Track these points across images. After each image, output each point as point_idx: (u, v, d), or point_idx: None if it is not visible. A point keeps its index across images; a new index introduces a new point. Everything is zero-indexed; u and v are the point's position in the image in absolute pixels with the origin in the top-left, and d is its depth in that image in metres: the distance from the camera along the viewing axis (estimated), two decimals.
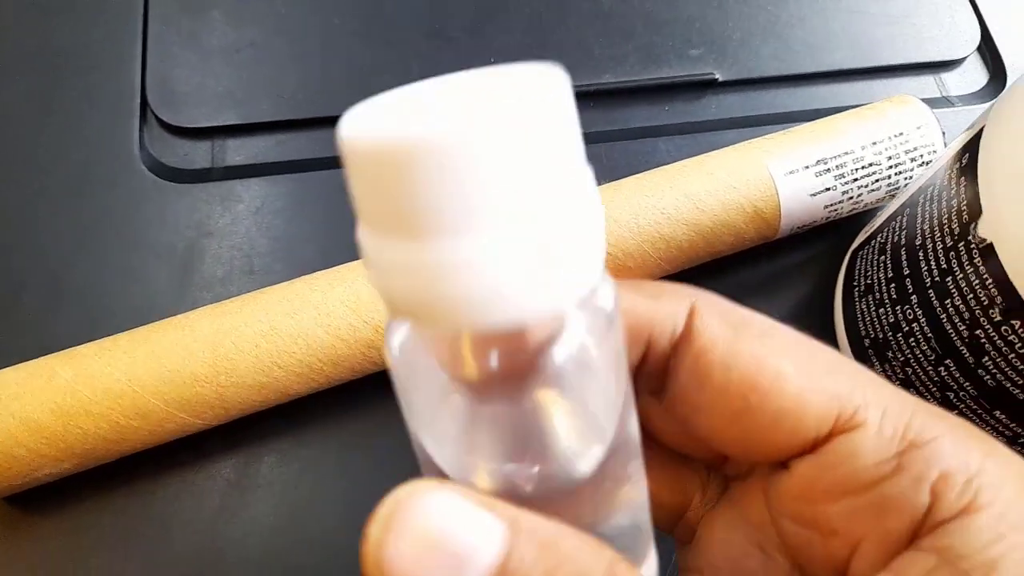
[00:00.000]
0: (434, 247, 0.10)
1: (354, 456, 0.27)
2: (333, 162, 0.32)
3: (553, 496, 0.13)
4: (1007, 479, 0.13)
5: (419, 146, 0.09)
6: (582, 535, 0.12)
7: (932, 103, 0.30)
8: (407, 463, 0.26)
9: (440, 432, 0.13)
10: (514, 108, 0.09)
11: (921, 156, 0.29)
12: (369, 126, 0.10)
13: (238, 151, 0.32)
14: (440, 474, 0.13)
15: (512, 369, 0.12)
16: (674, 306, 0.15)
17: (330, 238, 0.30)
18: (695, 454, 0.18)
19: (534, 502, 0.12)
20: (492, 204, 0.10)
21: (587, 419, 0.13)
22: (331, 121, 0.32)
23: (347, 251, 0.27)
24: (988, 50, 0.36)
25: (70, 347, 0.25)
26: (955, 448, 0.14)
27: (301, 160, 0.32)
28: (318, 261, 0.28)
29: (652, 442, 0.19)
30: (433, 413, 0.13)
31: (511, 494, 0.12)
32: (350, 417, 0.27)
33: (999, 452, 0.14)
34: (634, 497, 0.15)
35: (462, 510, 0.11)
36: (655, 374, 0.16)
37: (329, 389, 0.26)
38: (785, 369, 0.15)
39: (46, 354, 0.25)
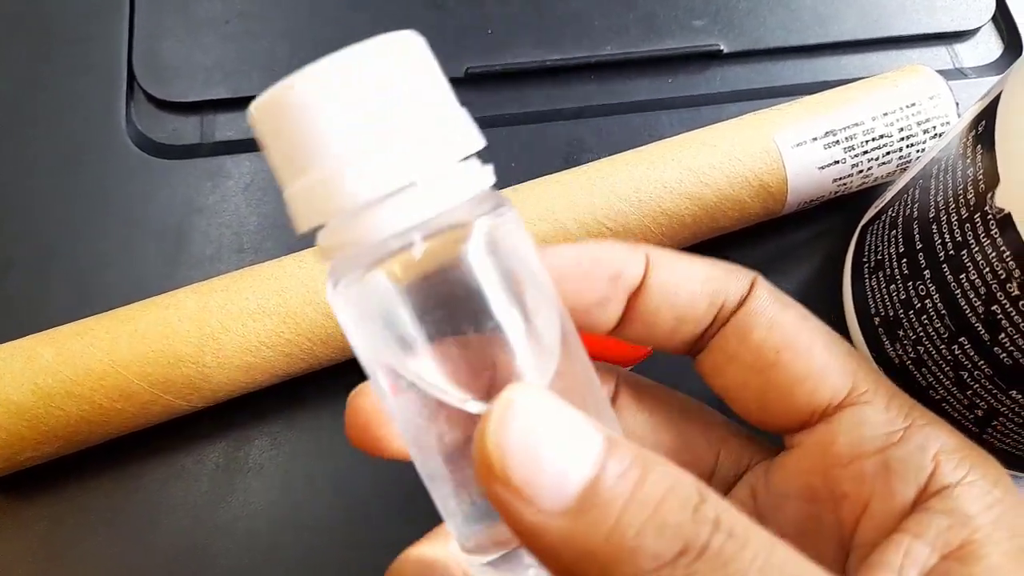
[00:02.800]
0: (309, 176, 0.13)
1: (345, 438, 0.26)
2: None
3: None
4: (987, 464, 0.16)
5: (270, 103, 0.13)
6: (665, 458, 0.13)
7: (945, 74, 0.29)
8: None
9: (394, 351, 0.14)
10: (351, 57, 0.13)
11: (934, 128, 0.28)
12: (261, 98, 0.13)
13: (228, 126, 0.31)
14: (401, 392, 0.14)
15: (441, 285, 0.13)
16: (740, 280, 0.18)
17: None
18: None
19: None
20: (341, 135, 0.12)
21: (527, 326, 0.14)
22: None
23: None
24: (1003, 19, 0.35)
25: (55, 327, 0.24)
26: (947, 434, 0.16)
27: None
28: (309, 238, 0.28)
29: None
30: (384, 336, 0.14)
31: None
32: (341, 399, 0.26)
33: (976, 447, 0.16)
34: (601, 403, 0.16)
35: (570, 410, 0.12)
36: (711, 334, 0.18)
37: (320, 370, 0.26)
38: (816, 341, 0.17)
39: (31, 334, 0.24)
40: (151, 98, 0.31)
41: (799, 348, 0.17)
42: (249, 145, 0.31)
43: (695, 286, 0.17)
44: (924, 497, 0.15)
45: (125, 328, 0.23)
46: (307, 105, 0.12)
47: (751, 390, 0.17)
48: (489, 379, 0.14)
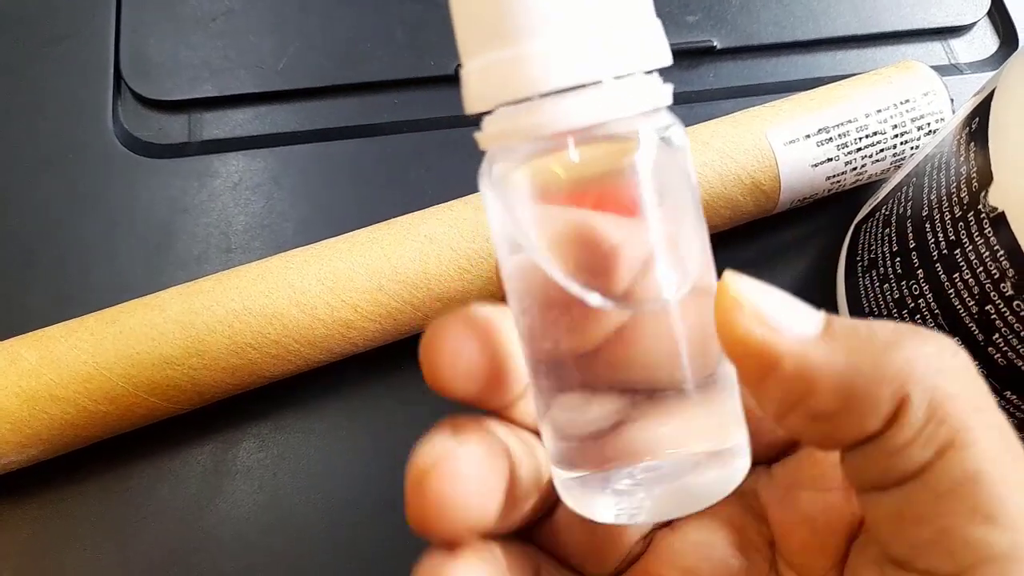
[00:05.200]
0: (523, 45, 0.12)
1: (333, 441, 0.26)
2: (314, 135, 0.31)
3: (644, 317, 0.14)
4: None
5: None
6: None
7: (940, 70, 0.29)
8: (387, 448, 0.25)
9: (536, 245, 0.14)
10: None
11: (928, 124, 0.27)
12: None
13: (215, 125, 0.31)
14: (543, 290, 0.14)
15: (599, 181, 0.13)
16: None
17: (310, 214, 0.29)
18: None
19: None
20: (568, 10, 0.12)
21: (670, 243, 0.14)
22: (312, 93, 0.31)
23: (328, 227, 0.26)
24: (999, 15, 0.34)
25: (40, 328, 0.24)
26: (988, 457, 0.13)
27: (281, 133, 0.31)
28: (298, 238, 0.27)
29: None
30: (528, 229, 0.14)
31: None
32: (329, 401, 0.26)
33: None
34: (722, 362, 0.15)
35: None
36: None
37: (307, 372, 0.25)
38: None
39: (15, 335, 0.24)
40: (138, 97, 0.31)
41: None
42: (237, 144, 0.30)
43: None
44: None
45: (109, 330, 0.23)
46: None
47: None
48: (623, 284, 0.14)
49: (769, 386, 0.13)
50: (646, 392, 0.14)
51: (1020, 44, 0.33)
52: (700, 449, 0.15)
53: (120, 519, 0.25)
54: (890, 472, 0.13)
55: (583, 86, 0.12)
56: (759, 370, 0.13)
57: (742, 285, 0.14)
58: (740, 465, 0.15)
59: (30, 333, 0.24)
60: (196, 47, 0.31)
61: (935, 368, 0.13)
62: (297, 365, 0.24)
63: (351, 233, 0.25)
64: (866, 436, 0.13)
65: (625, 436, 0.14)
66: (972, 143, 0.20)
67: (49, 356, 0.23)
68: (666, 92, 0.14)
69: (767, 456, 0.18)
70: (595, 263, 0.14)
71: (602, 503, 0.15)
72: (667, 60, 0.14)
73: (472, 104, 0.13)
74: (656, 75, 0.14)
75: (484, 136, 0.14)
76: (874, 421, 0.13)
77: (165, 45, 0.31)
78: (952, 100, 0.28)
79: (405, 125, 0.31)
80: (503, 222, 0.14)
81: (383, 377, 0.27)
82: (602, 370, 0.14)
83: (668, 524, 0.18)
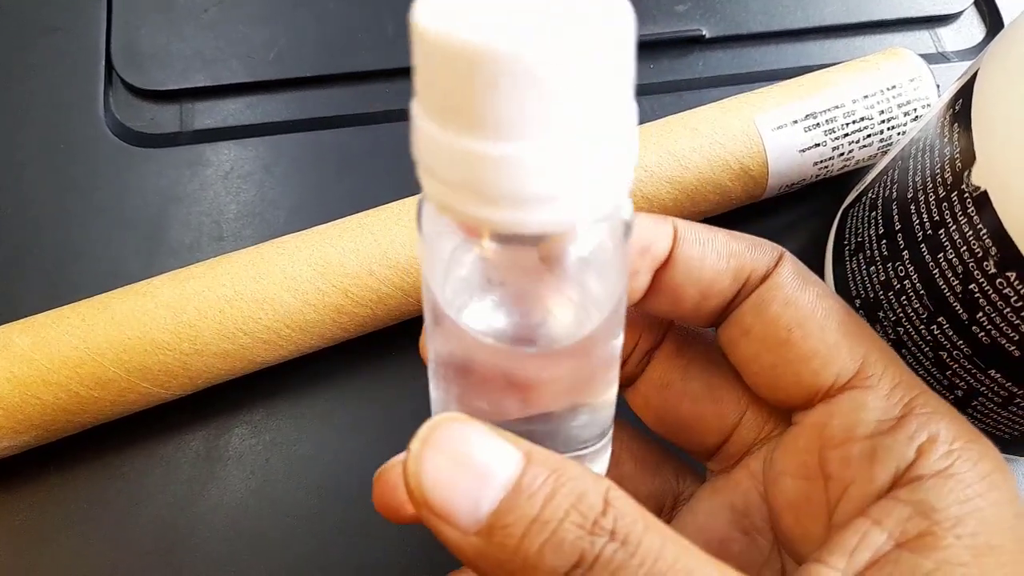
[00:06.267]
0: (487, 145, 0.11)
1: (324, 427, 0.26)
2: (305, 124, 0.31)
3: (546, 360, 0.15)
4: (983, 459, 0.15)
5: (496, 56, 0.10)
6: (584, 466, 0.14)
7: (927, 59, 0.29)
8: (378, 434, 0.26)
9: (454, 288, 0.14)
10: (589, 32, 0.10)
11: (915, 110, 0.28)
12: (447, 22, 0.10)
13: (207, 114, 0.31)
14: (447, 327, 0.14)
15: (526, 260, 0.13)
16: (767, 253, 0.18)
17: (302, 203, 0.29)
18: (691, 444, 0.20)
19: (529, 363, 0.14)
20: (547, 117, 0.10)
21: (587, 299, 0.14)
22: (303, 82, 0.31)
23: (319, 215, 0.26)
24: (985, 4, 0.35)
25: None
26: (947, 424, 0.16)
27: (272, 123, 0.31)
28: (289, 226, 0.27)
29: (638, 446, 0.21)
30: (448, 270, 0.14)
31: (511, 351, 0.14)
32: (321, 387, 0.26)
33: (981, 440, 0.16)
34: (609, 394, 0.16)
35: (487, 436, 0.13)
36: (733, 308, 0.18)
37: (299, 358, 0.25)
38: (831, 321, 0.17)
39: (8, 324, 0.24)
40: (129, 87, 0.31)
41: (811, 327, 0.17)
42: (228, 133, 0.30)
43: (720, 261, 0.17)
44: (897, 485, 0.16)
45: (101, 315, 0.23)
46: (530, 73, 0.10)
47: (762, 365, 0.18)
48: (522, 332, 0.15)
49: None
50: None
51: (1004, 27, 0.34)
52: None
53: (113, 504, 0.25)
54: None
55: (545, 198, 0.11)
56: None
57: (422, 463, 0.13)
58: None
59: (22, 319, 0.24)
60: (188, 37, 0.31)
61: None
62: (288, 350, 0.25)
63: (342, 219, 0.25)
64: None
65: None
66: (955, 124, 0.21)
67: (41, 341, 0.23)
68: (622, 192, 0.12)
69: (713, 322, 0.19)
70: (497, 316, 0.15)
71: None
72: (629, 170, 0.12)
73: (426, 170, 0.12)
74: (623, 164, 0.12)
75: (427, 192, 0.12)
76: None
77: (157, 35, 0.31)
78: (938, 86, 0.28)
79: (395, 114, 0.31)
80: (428, 266, 0.14)
81: (374, 364, 0.27)
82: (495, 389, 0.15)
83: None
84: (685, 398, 0.20)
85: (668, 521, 0.20)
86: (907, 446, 0.16)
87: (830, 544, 0.15)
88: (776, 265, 0.18)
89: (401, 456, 0.14)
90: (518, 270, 0.14)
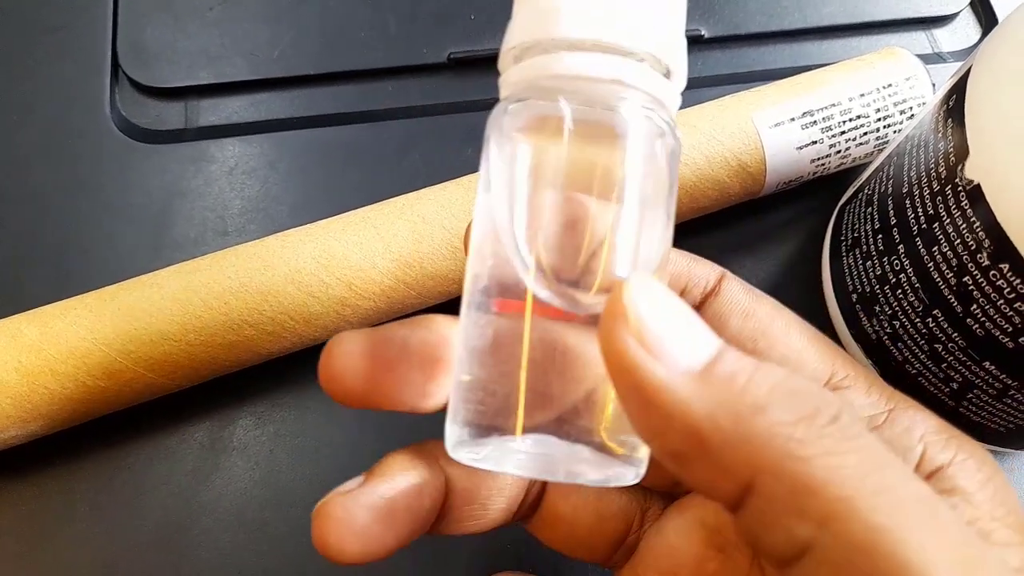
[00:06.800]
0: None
1: (329, 418, 0.26)
2: (308, 121, 0.31)
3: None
4: (967, 443, 0.16)
5: None
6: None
7: (924, 59, 0.30)
8: (381, 425, 0.26)
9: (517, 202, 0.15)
10: None
11: (910, 108, 0.28)
12: None
13: (212, 111, 0.31)
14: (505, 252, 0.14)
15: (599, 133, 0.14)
16: (708, 269, 0.18)
17: (305, 199, 0.30)
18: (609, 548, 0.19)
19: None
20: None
21: (641, 221, 0.15)
22: (307, 80, 0.32)
23: (323, 211, 0.27)
24: (981, 5, 0.35)
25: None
26: (928, 417, 0.16)
27: (276, 120, 0.31)
28: (292, 221, 0.28)
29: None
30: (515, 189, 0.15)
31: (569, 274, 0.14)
32: None
33: (953, 428, 0.16)
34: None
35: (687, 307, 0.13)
36: None
37: (303, 351, 0.26)
38: (792, 330, 0.17)
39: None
40: (135, 84, 0.31)
41: (775, 336, 0.17)
42: (233, 130, 0.31)
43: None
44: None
45: (108, 307, 0.24)
46: None
47: None
48: (580, 271, 0.14)
49: (632, 406, 0.13)
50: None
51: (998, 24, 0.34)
52: (597, 442, 0.14)
53: (119, 494, 0.25)
54: (775, 548, 0.12)
55: (603, 50, 0.14)
56: (625, 388, 0.13)
57: (639, 296, 0.13)
58: (625, 475, 0.15)
59: (31, 310, 0.24)
60: (193, 35, 0.32)
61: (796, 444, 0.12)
62: (292, 342, 0.25)
63: (346, 214, 0.26)
64: (725, 496, 0.13)
65: (530, 409, 0.14)
66: (949, 119, 0.21)
67: (49, 332, 0.23)
68: (675, 96, 0.15)
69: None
70: (556, 243, 0.14)
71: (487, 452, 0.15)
72: (682, 72, 0.15)
73: (509, 40, 0.15)
74: (673, 84, 0.15)
75: (503, 81, 0.15)
76: (727, 485, 0.12)
77: (162, 33, 0.32)
78: (934, 85, 0.28)
79: (399, 112, 0.31)
80: (489, 160, 0.15)
81: None
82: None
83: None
84: (584, 519, 0.19)
85: (636, 542, 0.19)
86: (910, 438, 0.16)
87: None
88: (720, 281, 0.18)
89: (341, 487, 0.16)
90: (586, 165, 0.14)
